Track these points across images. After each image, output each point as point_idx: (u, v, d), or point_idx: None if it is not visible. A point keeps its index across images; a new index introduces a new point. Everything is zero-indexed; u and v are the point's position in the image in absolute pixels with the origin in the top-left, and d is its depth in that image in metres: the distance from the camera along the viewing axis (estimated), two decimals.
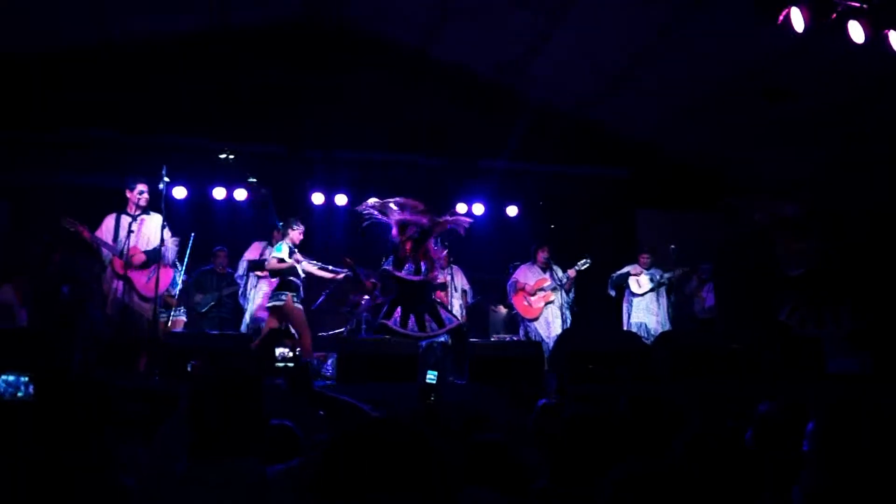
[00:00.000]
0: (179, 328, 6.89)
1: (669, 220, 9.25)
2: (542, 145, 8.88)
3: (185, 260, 6.67)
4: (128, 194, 5.96)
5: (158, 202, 6.01)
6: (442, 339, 7.31)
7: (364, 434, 1.42)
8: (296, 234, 6.38)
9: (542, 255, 7.81)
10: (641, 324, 7.78)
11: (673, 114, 8.17)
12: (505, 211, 9.42)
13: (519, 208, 9.48)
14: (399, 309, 5.85)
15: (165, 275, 6.04)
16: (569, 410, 2.47)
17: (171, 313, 6.81)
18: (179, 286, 6.65)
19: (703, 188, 9.02)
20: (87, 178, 7.60)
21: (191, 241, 6.61)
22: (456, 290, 7.70)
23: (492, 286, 8.45)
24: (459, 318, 7.40)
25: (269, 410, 2.03)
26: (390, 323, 5.78)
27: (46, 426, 2.01)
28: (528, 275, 7.80)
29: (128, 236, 5.78)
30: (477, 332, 8.13)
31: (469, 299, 7.96)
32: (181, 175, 8.10)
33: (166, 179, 6.03)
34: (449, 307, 7.47)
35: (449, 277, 7.70)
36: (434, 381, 3.87)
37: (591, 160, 9.12)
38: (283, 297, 5.93)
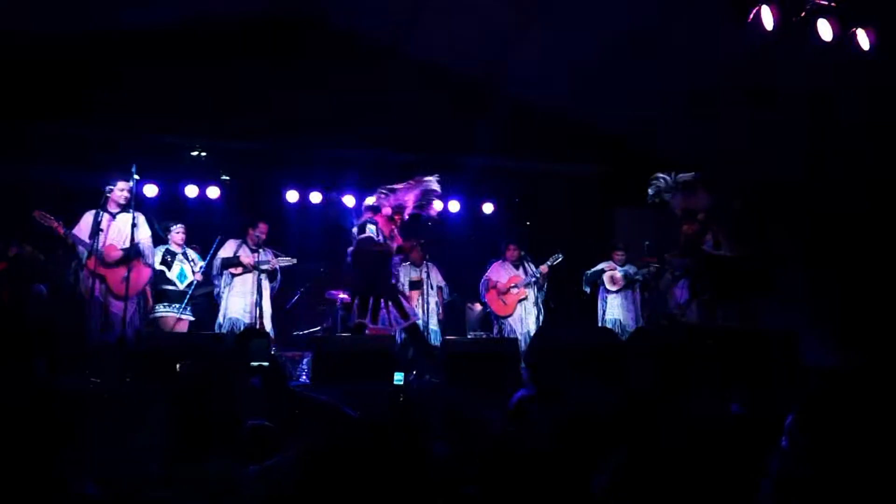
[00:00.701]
0: (184, 328, 6.85)
1: (646, 217, 9.34)
2: (518, 142, 8.93)
3: (207, 259, 6.88)
4: (109, 191, 5.96)
5: (129, 201, 5.97)
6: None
7: (347, 440, 1.44)
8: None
9: (511, 252, 7.88)
10: (616, 320, 7.87)
11: (652, 112, 8.25)
12: (481, 208, 9.47)
13: (495, 205, 9.53)
14: (371, 300, 5.95)
15: (141, 274, 5.99)
16: (544, 405, 2.50)
17: (179, 311, 6.79)
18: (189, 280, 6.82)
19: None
20: (56, 174, 7.49)
21: (215, 244, 6.66)
22: (432, 288, 7.73)
23: (468, 284, 8.49)
24: (433, 314, 7.46)
25: (246, 411, 2.05)
26: (367, 321, 5.86)
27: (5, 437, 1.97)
28: (500, 272, 7.86)
29: (102, 232, 5.74)
30: (455, 330, 8.17)
31: (444, 296, 8.02)
32: (152, 172, 8.04)
33: (136, 177, 5.98)
34: (425, 305, 7.52)
35: (425, 275, 7.73)
36: (401, 382, 3.90)
37: (568, 157, 9.19)
38: None
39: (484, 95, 8.68)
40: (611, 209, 9.70)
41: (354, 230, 6.32)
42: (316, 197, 8.91)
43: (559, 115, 8.95)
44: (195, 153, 8.50)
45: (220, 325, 7.04)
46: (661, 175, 6.24)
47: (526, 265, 7.75)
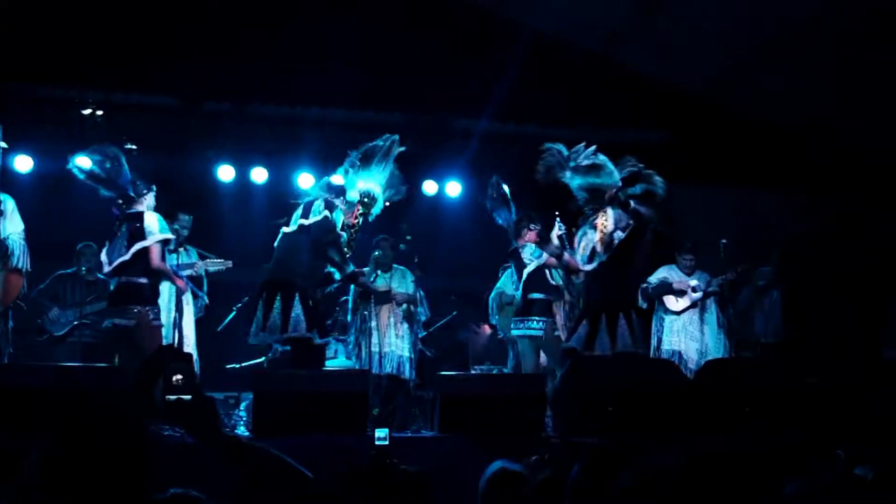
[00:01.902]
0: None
1: (721, 202, 9.35)
2: (545, 98, 8.93)
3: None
4: None
5: None
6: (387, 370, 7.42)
7: None
8: None
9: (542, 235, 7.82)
10: (675, 352, 7.83)
11: (738, 53, 8.25)
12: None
13: (510, 187, 9.50)
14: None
15: (10, 282, 5.95)
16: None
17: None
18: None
19: (772, 158, 9.14)
20: None
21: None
22: (397, 306, 7.69)
23: (473, 298, 8.47)
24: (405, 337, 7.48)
25: (161, 474, 2.02)
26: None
27: None
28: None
29: None
30: (452, 363, 8.15)
31: (418, 315, 7.85)
32: (24, 138, 7.98)
33: (3, 144, 5.96)
34: (397, 324, 7.52)
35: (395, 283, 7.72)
36: (386, 442, 3.88)
37: (614, 119, 9.18)
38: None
39: (499, 31, 8.67)
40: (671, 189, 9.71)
41: (300, 210, 6.38)
42: (259, 174, 8.89)
43: (605, 58, 8.95)
44: (87, 112, 8.46)
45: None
46: (553, 147, 6.57)
47: (556, 272, 7.71)
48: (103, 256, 6.25)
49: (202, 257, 7.44)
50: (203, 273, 7.33)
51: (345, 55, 8.40)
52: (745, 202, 9.39)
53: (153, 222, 6.19)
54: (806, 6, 7.52)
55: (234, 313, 7.89)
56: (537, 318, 7.16)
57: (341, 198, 6.39)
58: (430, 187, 9.23)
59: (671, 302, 7.98)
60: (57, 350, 7.48)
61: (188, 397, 2.10)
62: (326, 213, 6.31)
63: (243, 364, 7.81)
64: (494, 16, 8.80)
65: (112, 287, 6.25)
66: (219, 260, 7.45)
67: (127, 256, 6.10)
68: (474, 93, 8.69)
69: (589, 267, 6.60)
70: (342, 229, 6.36)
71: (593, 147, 6.59)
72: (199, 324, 7.38)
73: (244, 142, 8.95)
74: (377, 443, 3.95)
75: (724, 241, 7.72)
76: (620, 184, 6.66)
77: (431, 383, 7.27)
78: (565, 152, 6.57)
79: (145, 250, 6.10)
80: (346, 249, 6.37)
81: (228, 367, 7.85)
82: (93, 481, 1.85)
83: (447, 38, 8.71)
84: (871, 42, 7.53)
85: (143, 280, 6.14)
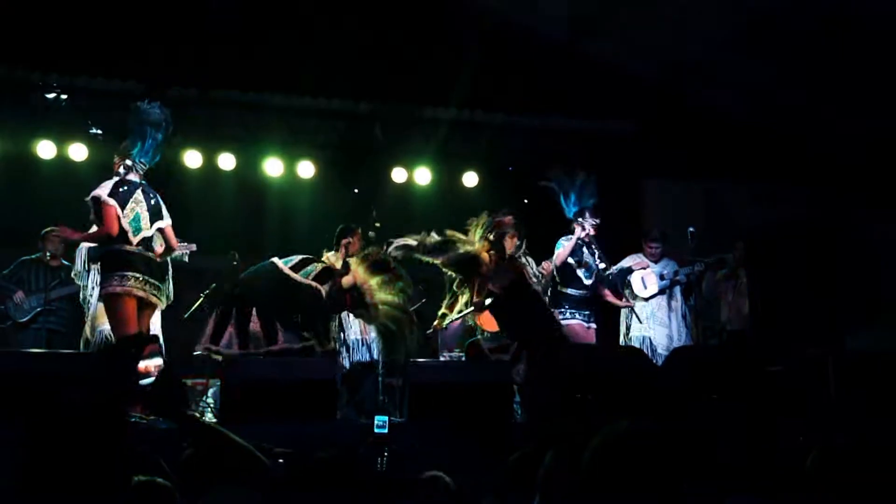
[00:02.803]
0: None
1: (688, 192, 9.41)
2: (512, 87, 8.92)
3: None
4: None
5: None
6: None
7: None
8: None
9: (511, 242, 7.82)
10: (644, 338, 7.90)
11: (703, 44, 8.28)
12: (460, 179, 9.43)
13: (479, 175, 9.50)
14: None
15: None
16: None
17: None
18: None
19: (737, 149, 9.20)
20: None
21: None
22: None
23: (441, 286, 8.44)
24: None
25: (133, 461, 1.98)
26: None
27: None
28: None
29: None
30: (421, 351, 8.12)
31: None
32: None
33: None
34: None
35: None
36: (384, 430, 3.81)
37: (580, 109, 9.20)
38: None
39: (465, 18, 8.64)
40: (638, 181, 9.75)
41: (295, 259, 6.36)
42: (227, 161, 8.81)
43: (562, 49, 8.95)
44: (51, 95, 8.32)
45: (89, 342, 6.92)
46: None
47: (526, 261, 7.72)
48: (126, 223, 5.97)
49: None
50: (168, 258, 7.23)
51: (312, 42, 8.35)
52: (709, 192, 9.46)
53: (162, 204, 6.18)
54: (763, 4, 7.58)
55: (201, 300, 7.80)
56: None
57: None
58: (399, 175, 9.19)
59: (639, 289, 8.03)
60: (21, 336, 7.41)
61: (156, 378, 2.06)
62: (317, 284, 6.24)
63: (212, 349, 7.73)
64: (461, 4, 8.76)
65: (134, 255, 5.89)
66: (182, 244, 7.36)
67: (150, 232, 6.02)
68: (442, 81, 8.66)
69: None
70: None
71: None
72: (166, 309, 7.30)
73: (211, 126, 8.85)
74: (376, 430, 3.89)
75: (691, 228, 7.77)
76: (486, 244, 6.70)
77: (400, 370, 7.25)
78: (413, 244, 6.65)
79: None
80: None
81: (196, 352, 7.77)
82: (68, 468, 1.81)
83: (414, 25, 8.66)
84: (833, 33, 7.60)
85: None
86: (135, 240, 5.89)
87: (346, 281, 6.19)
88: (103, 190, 5.89)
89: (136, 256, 5.88)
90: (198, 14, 8.06)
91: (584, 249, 7.60)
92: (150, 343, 5.82)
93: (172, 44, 8.10)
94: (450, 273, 6.86)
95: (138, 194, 5.97)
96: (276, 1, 8.33)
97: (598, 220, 7.50)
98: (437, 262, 6.63)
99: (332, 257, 7.03)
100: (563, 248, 7.55)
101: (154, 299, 5.98)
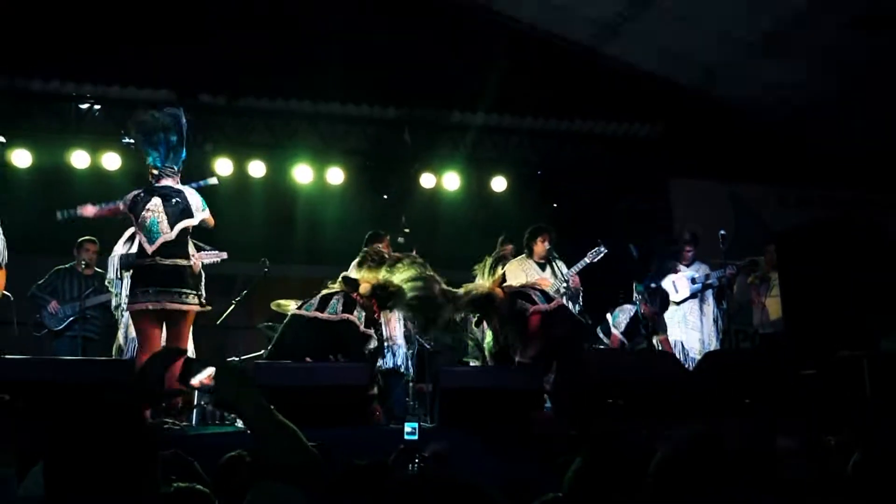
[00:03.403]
0: None
1: (718, 194, 9.33)
2: (540, 92, 8.90)
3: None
4: None
5: None
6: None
7: None
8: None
9: (541, 245, 7.77)
10: (676, 342, 7.83)
11: (729, 47, 8.22)
12: (489, 184, 9.42)
13: (508, 180, 9.49)
14: None
15: None
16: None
17: None
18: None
19: (766, 151, 9.12)
20: None
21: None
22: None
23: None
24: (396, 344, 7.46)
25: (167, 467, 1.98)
26: None
27: None
28: (519, 274, 7.76)
29: None
30: (449, 356, 8.12)
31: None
32: (24, 134, 7.96)
33: (1, 140, 5.91)
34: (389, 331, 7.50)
35: None
36: (415, 437, 3.76)
37: (608, 112, 9.17)
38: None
39: (494, 27, 8.63)
40: (666, 184, 9.69)
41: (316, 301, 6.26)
42: (257, 168, 8.85)
43: (589, 53, 8.92)
44: (85, 106, 8.40)
45: (121, 349, 6.96)
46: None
47: (555, 265, 7.67)
48: (124, 241, 5.90)
49: (197, 248, 7.37)
50: (199, 265, 7.26)
51: (340, 49, 8.36)
52: (737, 194, 9.38)
53: (197, 199, 5.96)
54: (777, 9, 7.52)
55: (233, 307, 7.84)
56: None
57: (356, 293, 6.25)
58: (427, 181, 9.19)
59: (671, 293, 7.97)
60: (56, 344, 7.46)
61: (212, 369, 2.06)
62: (347, 315, 6.10)
63: (242, 357, 7.76)
64: (489, 9, 8.76)
65: (150, 267, 5.74)
66: (213, 251, 7.39)
67: (172, 235, 5.78)
68: (470, 86, 8.66)
69: None
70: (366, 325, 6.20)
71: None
72: (198, 318, 7.34)
73: (241, 135, 8.90)
74: (406, 437, 3.85)
75: (722, 231, 7.71)
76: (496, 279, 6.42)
77: (430, 376, 7.24)
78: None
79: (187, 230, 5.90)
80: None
81: (228, 360, 7.81)
82: (98, 475, 1.81)
83: (442, 31, 8.68)
84: (864, 34, 7.51)
85: (187, 263, 5.87)
86: (151, 248, 5.73)
87: (364, 289, 6.15)
88: (122, 202, 5.88)
89: (153, 269, 5.72)
90: (226, 22, 8.12)
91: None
92: (178, 357, 5.67)
93: (202, 52, 8.14)
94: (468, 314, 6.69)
95: (154, 201, 5.80)
96: (303, 9, 8.35)
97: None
98: (457, 310, 6.49)
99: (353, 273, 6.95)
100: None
101: (178, 305, 5.76)
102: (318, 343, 6.11)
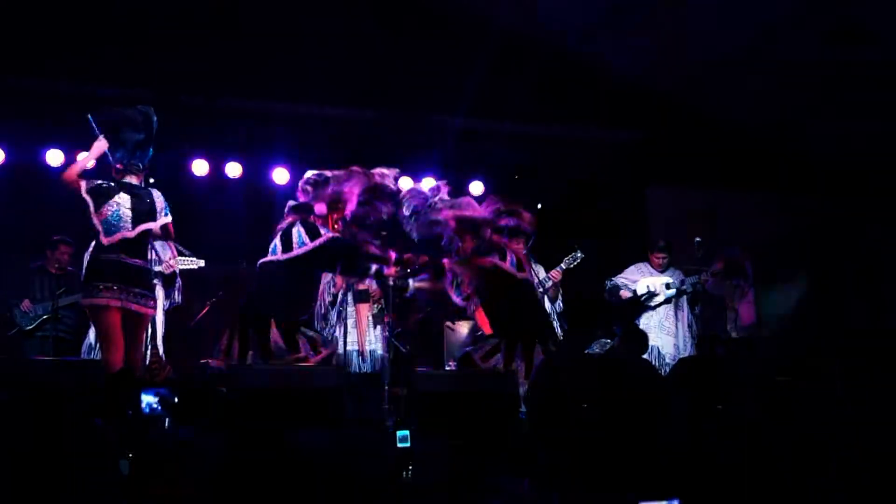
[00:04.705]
0: None
1: (693, 202, 9.38)
2: (517, 95, 8.91)
3: None
4: None
5: None
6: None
7: None
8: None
9: (515, 248, 7.78)
10: (652, 347, 7.87)
11: (709, 55, 8.28)
12: (466, 187, 9.42)
13: (485, 183, 9.49)
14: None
15: None
16: None
17: None
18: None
19: (743, 158, 9.18)
20: None
21: None
22: (374, 304, 7.65)
23: (448, 295, 8.41)
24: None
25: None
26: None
27: None
28: None
29: None
30: (427, 359, 8.10)
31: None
32: None
33: None
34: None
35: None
36: (407, 444, 3.72)
37: (586, 117, 9.18)
38: None
39: (471, 29, 8.62)
40: (643, 190, 9.72)
41: (276, 241, 6.11)
42: (234, 169, 8.80)
43: (571, 59, 8.95)
44: (60, 104, 8.33)
45: (92, 348, 6.92)
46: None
47: (532, 268, 7.67)
48: (97, 222, 5.72)
49: (179, 253, 7.32)
50: (177, 269, 7.23)
51: (318, 50, 8.34)
52: (714, 201, 9.43)
53: (162, 202, 5.89)
54: (777, 8, 7.56)
55: (207, 307, 7.81)
56: None
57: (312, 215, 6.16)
58: (405, 184, 9.17)
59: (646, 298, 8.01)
60: (27, 344, 7.43)
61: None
62: (320, 240, 6.04)
63: (217, 359, 7.71)
64: (468, 12, 8.75)
65: (115, 263, 5.63)
66: (191, 258, 7.36)
67: (132, 234, 5.69)
68: (449, 89, 8.65)
69: None
70: None
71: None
72: (171, 318, 7.30)
73: (217, 136, 8.85)
74: (399, 444, 3.80)
75: (698, 239, 7.75)
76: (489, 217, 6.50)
77: (405, 380, 7.22)
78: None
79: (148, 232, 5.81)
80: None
81: (204, 361, 7.76)
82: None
83: (421, 34, 8.66)
84: (840, 44, 7.59)
85: (147, 266, 5.87)
86: (106, 240, 5.61)
87: (319, 208, 6.02)
88: (84, 185, 5.72)
89: (117, 266, 5.63)
90: (205, 22, 8.08)
91: None
92: (128, 379, 5.58)
93: (180, 52, 8.09)
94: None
95: (122, 195, 5.72)
96: (282, 10, 8.31)
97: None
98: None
99: None
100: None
101: (138, 308, 5.70)
102: (304, 282, 6.05)
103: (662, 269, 8.09)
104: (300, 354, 5.91)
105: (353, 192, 6.12)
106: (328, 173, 6.16)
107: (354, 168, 6.17)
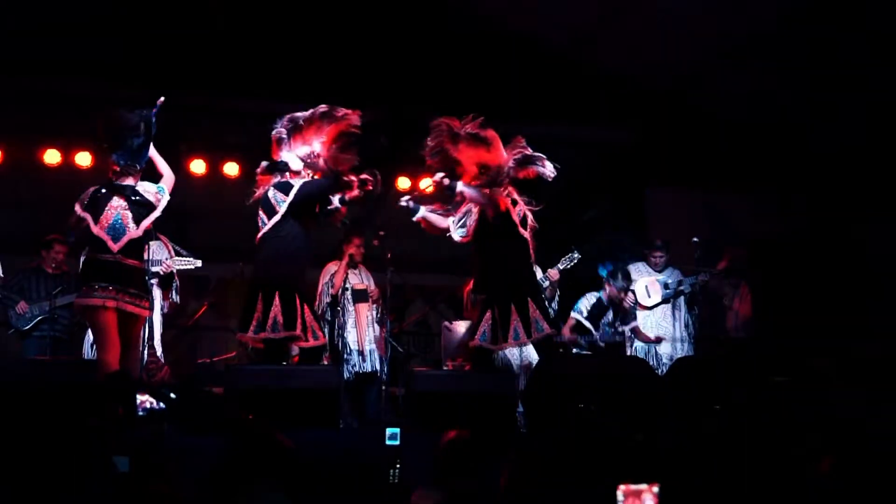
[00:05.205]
0: None
1: (692, 202, 9.38)
2: (515, 96, 8.90)
3: None
4: None
5: None
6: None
7: None
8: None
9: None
10: (649, 347, 7.87)
11: (707, 52, 8.26)
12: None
13: None
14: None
15: None
16: None
17: None
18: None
19: (743, 159, 9.17)
20: None
21: None
22: (373, 304, 7.67)
23: (445, 294, 8.43)
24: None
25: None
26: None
27: None
28: None
29: None
30: (424, 359, 8.11)
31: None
32: None
33: None
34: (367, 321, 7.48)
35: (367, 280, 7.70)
36: (396, 442, 3.70)
37: (582, 116, 9.17)
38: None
39: (462, 26, 8.61)
40: (641, 190, 9.72)
41: (260, 213, 6.21)
42: (232, 168, 8.79)
43: (566, 57, 8.94)
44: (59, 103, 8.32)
45: (93, 347, 6.90)
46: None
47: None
48: (102, 233, 5.68)
49: (176, 253, 7.32)
50: (174, 270, 7.22)
51: (316, 50, 8.33)
52: (713, 201, 9.43)
53: (152, 186, 5.93)
54: (775, 5, 7.56)
55: (204, 306, 7.81)
56: None
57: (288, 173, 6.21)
58: (403, 183, 9.19)
59: (643, 298, 8.00)
60: (24, 344, 7.42)
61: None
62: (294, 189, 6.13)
63: (214, 359, 7.73)
64: (468, 12, 8.75)
65: (112, 264, 5.65)
66: (188, 258, 7.36)
67: (138, 232, 5.75)
68: (446, 89, 8.64)
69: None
70: None
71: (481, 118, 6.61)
72: (169, 319, 7.30)
73: (215, 135, 8.84)
74: (388, 442, 3.78)
75: (696, 239, 7.75)
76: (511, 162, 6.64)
77: (403, 379, 7.22)
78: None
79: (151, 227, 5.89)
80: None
81: (200, 361, 7.77)
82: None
83: (418, 34, 8.66)
84: (839, 42, 7.59)
85: (142, 266, 5.84)
86: (116, 246, 5.65)
87: (295, 164, 6.31)
88: (79, 203, 5.78)
89: (113, 266, 5.64)
90: (202, 22, 8.07)
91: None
92: (124, 379, 5.59)
93: (178, 52, 8.08)
94: None
95: (116, 199, 5.74)
96: (279, 9, 8.31)
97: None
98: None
99: (332, 267, 7.03)
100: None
101: (133, 308, 5.70)
102: (297, 239, 6.09)
103: (660, 269, 8.09)
104: (296, 332, 5.90)
105: (327, 135, 6.38)
106: (299, 118, 6.49)
107: (321, 108, 6.42)
